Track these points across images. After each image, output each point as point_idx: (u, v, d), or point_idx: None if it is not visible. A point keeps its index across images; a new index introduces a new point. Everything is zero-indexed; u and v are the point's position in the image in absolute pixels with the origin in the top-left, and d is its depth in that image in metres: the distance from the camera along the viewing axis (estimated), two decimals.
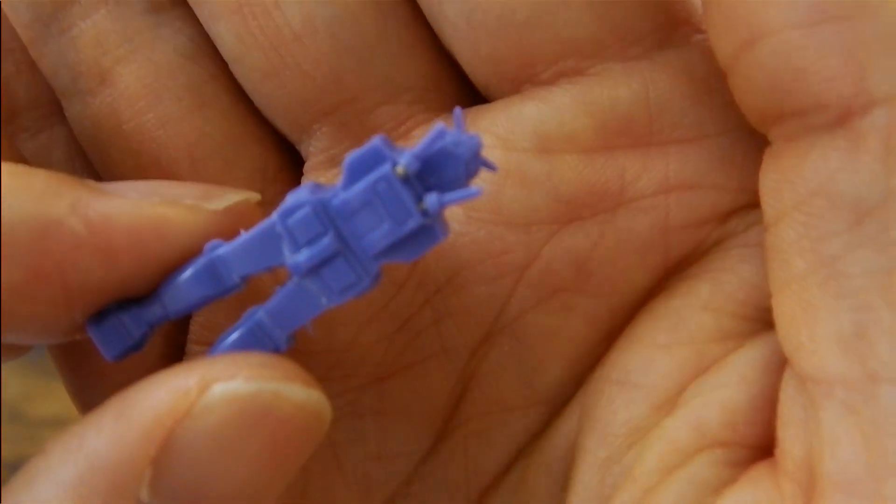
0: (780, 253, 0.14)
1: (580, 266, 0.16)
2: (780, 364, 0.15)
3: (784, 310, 0.14)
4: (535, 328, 0.16)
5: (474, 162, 0.14)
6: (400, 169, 0.13)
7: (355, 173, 0.13)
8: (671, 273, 0.16)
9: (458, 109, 0.14)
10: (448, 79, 0.16)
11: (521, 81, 0.15)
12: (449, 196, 0.13)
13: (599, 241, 0.16)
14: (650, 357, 0.15)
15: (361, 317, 0.16)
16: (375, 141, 0.13)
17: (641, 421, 0.15)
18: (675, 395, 0.15)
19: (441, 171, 0.13)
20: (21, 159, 0.16)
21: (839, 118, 0.13)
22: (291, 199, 0.14)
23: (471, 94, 0.16)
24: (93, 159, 0.17)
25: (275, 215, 0.14)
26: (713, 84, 0.15)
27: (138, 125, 0.16)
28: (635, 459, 0.15)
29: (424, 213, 0.13)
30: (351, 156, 0.13)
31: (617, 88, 0.15)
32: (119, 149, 0.17)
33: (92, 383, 0.18)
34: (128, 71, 0.16)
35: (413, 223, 0.13)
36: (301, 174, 0.17)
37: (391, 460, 0.17)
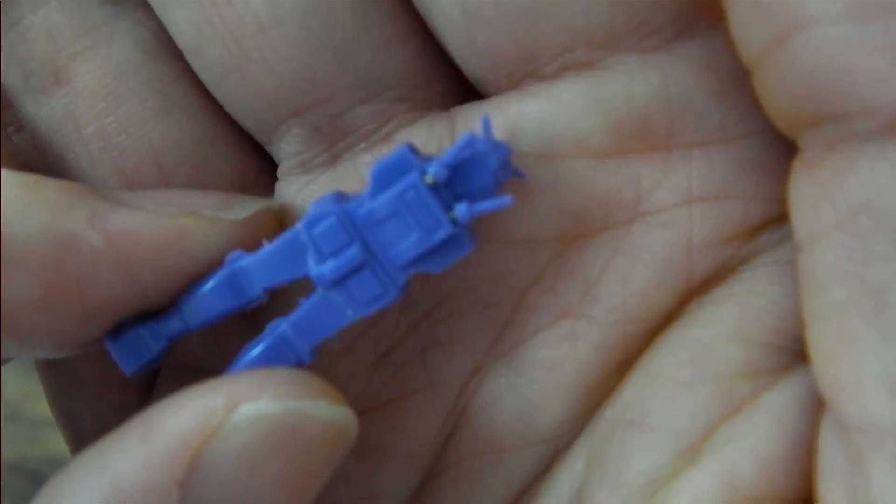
0: (817, 279, 0.12)
1: (588, 289, 0.14)
2: (818, 404, 0.13)
3: (821, 344, 0.12)
4: (536, 359, 0.14)
5: (504, 170, 0.13)
6: (429, 178, 0.13)
7: (382, 182, 0.13)
8: (693, 296, 0.14)
9: (486, 116, 0.13)
10: (436, 73, 0.15)
11: (522, 76, 0.14)
12: (480, 205, 0.13)
13: (611, 260, 0.14)
14: (670, 395, 0.14)
15: (332, 348, 0.15)
16: (402, 149, 0.13)
17: (661, 469, 0.13)
18: (700, 440, 0.13)
19: (470, 180, 0.13)
20: (22, 162, 0.15)
21: (890, 125, 0.11)
22: (316, 208, 0.14)
23: (461, 90, 0.15)
24: (49, 166, 0.16)
25: (299, 225, 0.14)
26: (741, 79, 0.13)
27: (98, 129, 0.15)
28: None
29: (454, 223, 0.13)
30: (377, 164, 0.13)
31: (632, 84, 0.14)
32: (77, 155, 0.15)
33: (72, 391, 0.17)
34: (85, 69, 0.15)
35: (443, 233, 0.13)
36: None
37: (375, 500, 0.15)
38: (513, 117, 0.14)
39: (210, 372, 0.14)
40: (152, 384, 0.17)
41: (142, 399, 0.17)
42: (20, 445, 0.34)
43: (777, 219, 0.14)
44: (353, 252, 0.13)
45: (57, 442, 0.20)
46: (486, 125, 0.13)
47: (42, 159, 0.16)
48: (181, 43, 0.15)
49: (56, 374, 0.17)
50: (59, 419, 0.18)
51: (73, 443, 0.18)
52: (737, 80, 0.13)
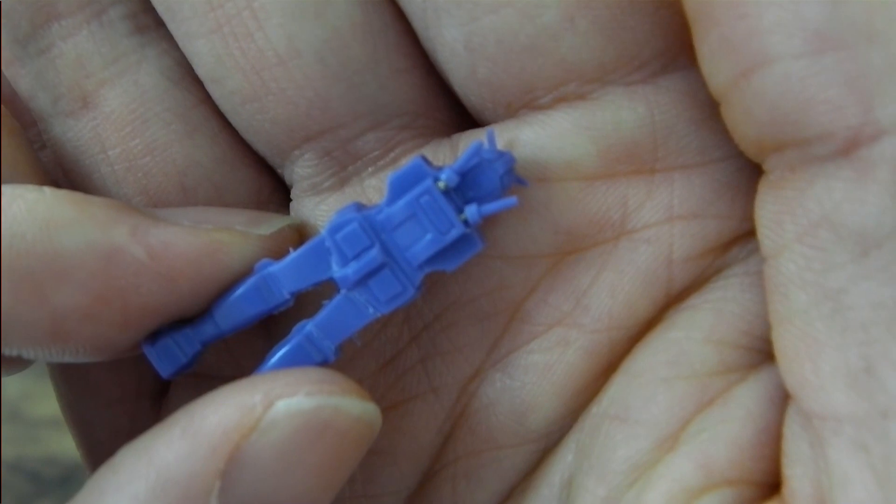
0: (781, 286, 0.14)
1: (579, 299, 0.15)
2: (783, 397, 0.15)
3: (786, 344, 0.14)
4: (529, 364, 0.16)
5: (508, 177, 0.15)
6: (441, 183, 0.14)
7: (398, 190, 0.15)
8: (672, 304, 0.16)
9: (491, 129, 0.15)
10: (438, 102, 0.16)
11: (519, 106, 0.15)
12: (488, 206, 0.14)
13: (600, 273, 0.15)
14: (651, 392, 0.15)
15: (344, 354, 0.16)
16: (416, 159, 0.15)
17: (642, 457, 0.15)
18: (677, 430, 0.15)
19: (477, 186, 0.15)
20: (44, 174, 0.16)
21: (845, 148, 0.13)
22: (338, 216, 0.15)
23: (461, 118, 0.16)
24: (74, 184, 0.17)
25: (324, 232, 0.15)
26: (718, 108, 0.15)
27: (124, 151, 0.16)
28: (637, 498, 0.15)
29: (466, 223, 0.14)
30: (393, 174, 0.15)
31: (620, 113, 0.15)
32: (103, 175, 0.17)
33: (87, 400, 0.18)
34: (112, 94, 0.16)
35: (455, 232, 0.14)
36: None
37: (377, 500, 0.17)
38: (510, 143, 0.15)
39: (222, 379, 0.15)
40: (164, 392, 0.18)
41: (154, 407, 0.18)
42: (20, 445, 0.34)
43: (747, 234, 0.15)
44: (374, 253, 0.14)
45: (57, 442, 0.21)
46: (491, 137, 0.15)
47: (66, 178, 0.17)
48: (202, 73, 0.16)
49: (71, 383, 0.18)
50: (73, 427, 0.18)
51: (87, 449, 0.18)
52: (714, 108, 0.15)
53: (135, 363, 0.17)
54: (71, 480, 0.35)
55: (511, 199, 0.14)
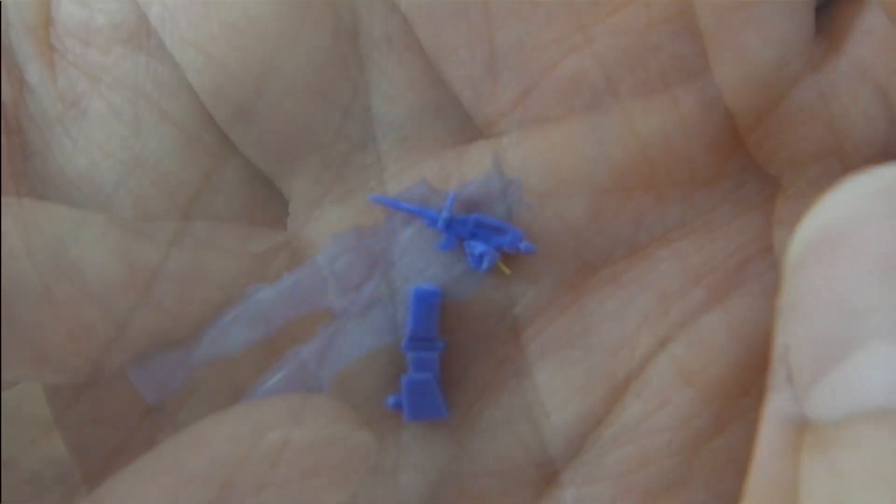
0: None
1: (587, 319, 0.15)
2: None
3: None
4: (537, 385, 0.15)
5: (515, 205, 0.14)
6: (446, 214, 0.14)
7: (401, 220, 0.14)
8: (687, 322, 0.15)
9: (496, 154, 0.14)
10: (440, 113, 0.16)
11: (528, 118, 0.15)
12: (499, 242, 0.14)
13: (610, 291, 0.15)
14: (657, 408, 0.15)
15: (343, 375, 0.15)
16: (419, 186, 0.14)
17: (653, 485, 0.14)
18: (689, 456, 0.14)
19: (485, 215, 0.14)
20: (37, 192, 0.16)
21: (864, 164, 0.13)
22: (336, 243, 0.14)
23: (464, 128, 0.16)
24: (63, 196, 0.16)
25: (321, 259, 0.15)
26: (734, 120, 0.14)
27: (115, 163, 0.16)
28: None
29: (472, 259, 0.14)
30: (396, 202, 0.14)
31: (633, 125, 0.15)
32: (95, 187, 0.16)
33: (83, 418, 0.17)
34: (104, 104, 0.16)
35: (460, 268, 0.14)
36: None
37: None
38: (520, 155, 0.15)
39: (216, 398, 0.15)
40: (158, 409, 0.17)
41: (147, 425, 0.17)
42: (20, 445, 0.34)
43: (765, 249, 0.15)
44: (374, 285, 0.14)
45: (57, 442, 0.21)
46: (496, 163, 0.14)
47: (55, 189, 0.16)
48: (197, 84, 0.15)
49: (67, 402, 0.18)
50: (66, 444, 0.18)
51: (81, 467, 0.18)
52: (731, 120, 0.14)
53: (127, 379, 0.16)
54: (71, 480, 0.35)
55: (531, 246, 0.14)
